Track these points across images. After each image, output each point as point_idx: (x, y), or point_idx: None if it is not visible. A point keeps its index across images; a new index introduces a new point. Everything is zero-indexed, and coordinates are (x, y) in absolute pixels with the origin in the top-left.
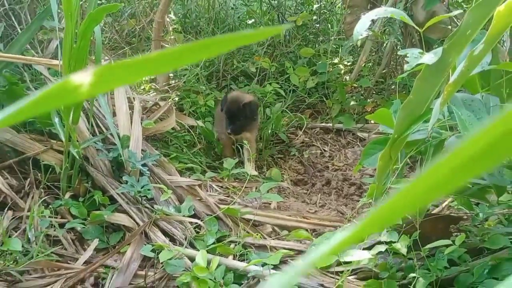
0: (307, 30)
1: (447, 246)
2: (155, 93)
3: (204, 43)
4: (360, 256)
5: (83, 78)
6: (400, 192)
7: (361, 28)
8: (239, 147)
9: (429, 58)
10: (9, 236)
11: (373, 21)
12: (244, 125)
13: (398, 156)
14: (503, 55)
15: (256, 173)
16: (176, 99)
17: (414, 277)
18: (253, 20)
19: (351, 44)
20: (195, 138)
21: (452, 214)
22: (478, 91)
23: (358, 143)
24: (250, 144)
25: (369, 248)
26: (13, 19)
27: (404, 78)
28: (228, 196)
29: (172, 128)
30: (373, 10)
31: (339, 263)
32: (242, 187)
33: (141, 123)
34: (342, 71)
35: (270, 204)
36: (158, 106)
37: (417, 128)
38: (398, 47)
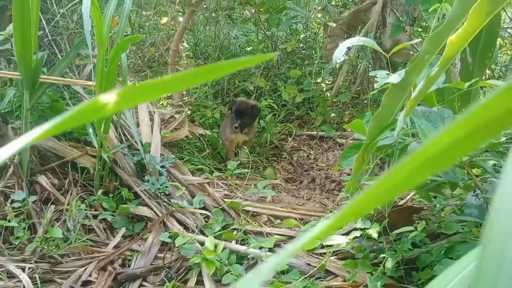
0: (295, 55)
1: (410, 231)
2: (171, 108)
3: (211, 67)
4: (339, 240)
5: (109, 98)
6: (371, 188)
7: (339, 53)
8: (239, 152)
9: (395, 78)
10: (52, 226)
11: (349, 48)
12: (248, 123)
13: (370, 158)
14: (455, 75)
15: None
16: (189, 112)
17: (384, 257)
18: (251, 47)
19: (331, 66)
20: (204, 144)
21: (415, 206)
22: (435, 105)
23: (337, 147)
24: (247, 149)
25: (347, 233)
26: (55, 48)
27: (375, 94)
28: (231, 192)
29: (185, 136)
30: (348, 39)
31: (322, 246)
32: (243, 184)
33: (160, 132)
34: (324, 89)
35: (266, 198)
36: (173, 118)
37: (385, 135)
38: (369, 69)
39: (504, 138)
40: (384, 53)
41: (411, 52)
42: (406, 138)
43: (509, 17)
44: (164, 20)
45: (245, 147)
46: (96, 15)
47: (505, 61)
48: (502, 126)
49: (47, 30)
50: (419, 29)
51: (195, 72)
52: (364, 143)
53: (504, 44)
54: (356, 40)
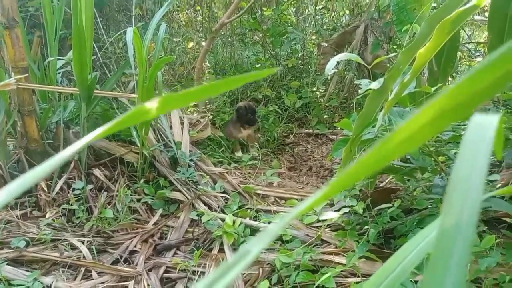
0: (295, 70)
1: (389, 207)
2: (197, 113)
3: (228, 80)
4: (332, 216)
5: (151, 105)
6: (352, 167)
7: (330, 66)
8: (245, 144)
9: (375, 85)
10: (105, 208)
11: (338, 63)
12: (257, 119)
13: (356, 150)
14: (424, 82)
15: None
16: (211, 117)
17: (368, 228)
18: (259, 64)
19: (324, 78)
20: (222, 142)
21: (393, 187)
22: (408, 106)
23: (329, 142)
24: (252, 141)
25: (338, 210)
26: (105, 68)
27: (359, 99)
28: (245, 179)
29: (208, 136)
30: (337, 55)
31: (318, 221)
32: (255, 173)
33: (188, 133)
34: (318, 96)
35: (273, 183)
36: (199, 122)
37: (368, 131)
38: (354, 79)
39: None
40: (366, 65)
41: (388, 64)
42: (385, 133)
43: (466, 34)
44: (190, 44)
45: (255, 143)
46: (137, 42)
47: (464, 70)
48: (457, 115)
49: (99, 55)
50: (394, 46)
51: (215, 85)
52: (351, 137)
53: (464, 56)
54: (343, 56)
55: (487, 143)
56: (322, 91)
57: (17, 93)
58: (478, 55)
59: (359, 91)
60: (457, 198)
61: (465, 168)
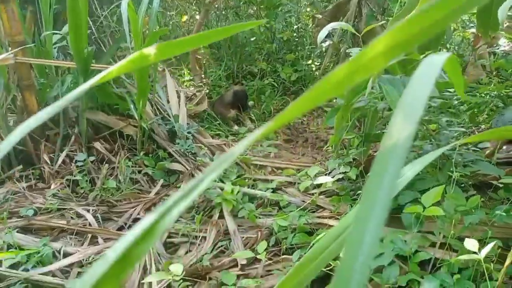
0: (290, 43)
1: None
2: (193, 87)
3: (218, 30)
4: (326, 180)
5: (151, 50)
6: (313, 88)
7: (322, 35)
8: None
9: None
10: (107, 179)
11: (332, 35)
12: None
13: (349, 117)
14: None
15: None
16: (207, 91)
17: (360, 193)
18: (254, 37)
19: (319, 51)
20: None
21: None
22: (398, 74)
23: (325, 114)
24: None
25: (333, 176)
26: (100, 43)
27: None
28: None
29: (204, 110)
30: (330, 24)
31: (314, 187)
32: (252, 144)
33: (186, 106)
34: (314, 69)
35: (269, 154)
36: (195, 96)
37: (359, 99)
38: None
39: (456, 102)
40: (357, 33)
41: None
42: (376, 101)
43: None
44: (184, 18)
45: (251, 115)
46: (132, 15)
47: (458, 41)
48: (416, 41)
49: (93, 29)
50: (388, 18)
51: (207, 34)
52: (343, 105)
53: (457, 27)
54: (336, 24)
55: (431, 77)
56: (317, 64)
57: (15, 67)
58: (472, 26)
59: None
60: (399, 121)
61: (410, 97)
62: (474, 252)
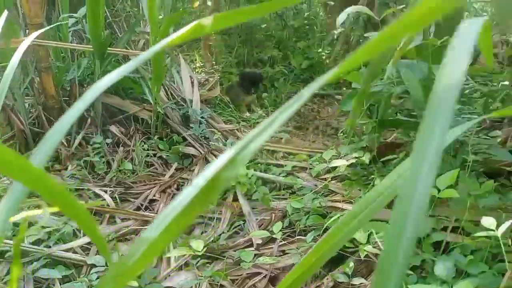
0: (301, 30)
1: (394, 159)
2: (205, 74)
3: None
4: (340, 163)
5: (207, 21)
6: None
7: (341, 19)
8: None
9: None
10: (123, 162)
11: (344, 22)
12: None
13: (364, 102)
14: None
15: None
16: (218, 77)
17: (373, 177)
18: (265, 24)
19: (330, 38)
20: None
21: (398, 142)
22: (415, 59)
23: (335, 102)
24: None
25: (347, 160)
26: (115, 27)
27: None
28: None
29: (216, 96)
30: (347, 8)
31: (326, 172)
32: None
33: (199, 92)
34: (324, 57)
35: (281, 139)
36: (207, 81)
37: (376, 83)
38: (361, 40)
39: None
40: (376, 17)
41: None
42: (392, 86)
43: None
44: (196, 4)
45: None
46: (150, 1)
47: None
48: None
49: (107, 14)
50: (402, 5)
51: (258, 7)
52: (361, 89)
53: (470, 15)
54: (353, 8)
55: (473, 31)
56: (328, 52)
57: (33, 49)
58: (485, 15)
59: None
60: (449, 67)
61: (457, 47)
62: (491, 230)
